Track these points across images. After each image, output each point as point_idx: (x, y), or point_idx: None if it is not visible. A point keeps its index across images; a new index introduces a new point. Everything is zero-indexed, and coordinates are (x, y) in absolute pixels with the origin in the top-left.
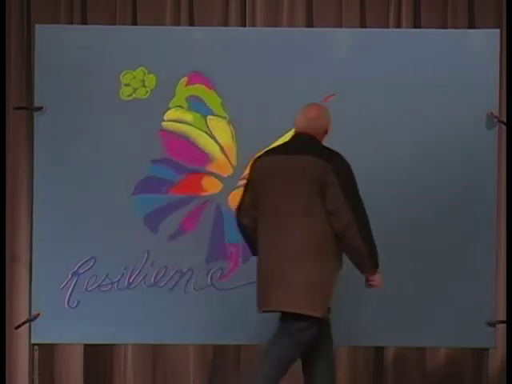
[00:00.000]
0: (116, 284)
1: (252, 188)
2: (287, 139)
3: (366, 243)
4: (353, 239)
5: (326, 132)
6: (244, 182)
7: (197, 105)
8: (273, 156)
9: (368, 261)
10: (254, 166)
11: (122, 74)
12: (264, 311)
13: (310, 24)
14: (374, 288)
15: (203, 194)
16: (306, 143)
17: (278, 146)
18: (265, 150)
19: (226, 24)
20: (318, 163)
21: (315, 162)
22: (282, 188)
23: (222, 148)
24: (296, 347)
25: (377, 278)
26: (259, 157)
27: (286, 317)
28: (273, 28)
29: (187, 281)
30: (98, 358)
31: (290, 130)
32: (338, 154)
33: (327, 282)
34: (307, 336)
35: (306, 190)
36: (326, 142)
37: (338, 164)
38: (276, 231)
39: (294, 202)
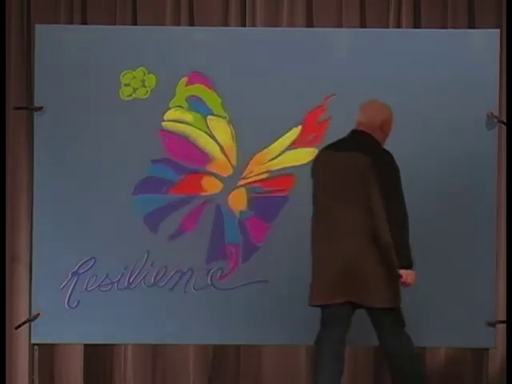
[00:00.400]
0: (116, 284)
1: (313, 184)
2: (345, 136)
3: (396, 241)
4: (382, 236)
5: (381, 129)
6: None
7: (197, 105)
8: (327, 151)
9: (397, 258)
10: (313, 162)
11: (122, 74)
12: (324, 304)
13: (310, 24)
14: (406, 286)
15: (203, 194)
16: (358, 140)
17: (334, 142)
18: (323, 146)
19: (226, 24)
20: (361, 160)
21: (359, 159)
22: (331, 184)
23: (222, 148)
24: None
25: (406, 276)
26: (318, 152)
27: (376, 313)
28: (273, 28)
29: (187, 281)
30: (98, 358)
31: (291, 129)
32: (384, 154)
33: (393, 271)
34: None
35: (353, 187)
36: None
37: (379, 163)
38: (328, 228)
39: (342, 197)
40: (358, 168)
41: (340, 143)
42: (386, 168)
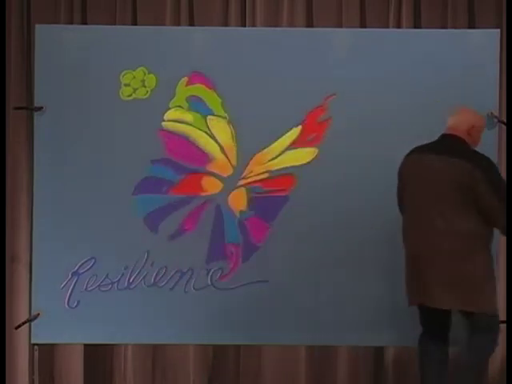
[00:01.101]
0: (116, 284)
1: (399, 185)
2: (435, 139)
3: None
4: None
5: (468, 134)
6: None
7: (197, 105)
8: (419, 155)
9: None
10: (402, 164)
11: (122, 74)
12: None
13: (310, 24)
14: None
15: (203, 194)
16: (450, 144)
17: (425, 146)
18: (412, 149)
19: (226, 24)
20: (463, 165)
21: (457, 163)
22: (425, 187)
23: (222, 148)
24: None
25: None
26: (407, 154)
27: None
28: (273, 28)
29: (187, 281)
30: (98, 358)
31: (291, 129)
32: (480, 157)
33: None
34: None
35: (449, 191)
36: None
37: (484, 166)
38: (418, 229)
39: (435, 201)
40: (456, 173)
41: (431, 147)
42: (494, 176)
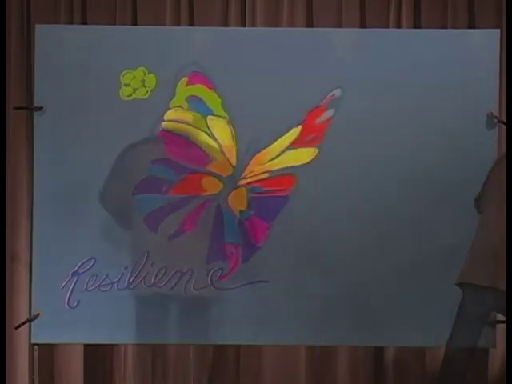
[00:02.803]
0: (116, 284)
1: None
2: None
3: None
4: None
5: None
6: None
7: (197, 105)
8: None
9: None
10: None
11: (122, 74)
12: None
13: (310, 24)
14: None
15: (203, 194)
16: None
17: None
18: None
19: (226, 24)
20: None
21: None
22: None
23: (221, 148)
24: None
25: None
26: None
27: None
28: (273, 28)
29: (187, 281)
30: (98, 358)
31: (291, 129)
32: None
33: None
34: None
35: None
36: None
37: None
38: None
39: None
40: None
41: None
42: None
